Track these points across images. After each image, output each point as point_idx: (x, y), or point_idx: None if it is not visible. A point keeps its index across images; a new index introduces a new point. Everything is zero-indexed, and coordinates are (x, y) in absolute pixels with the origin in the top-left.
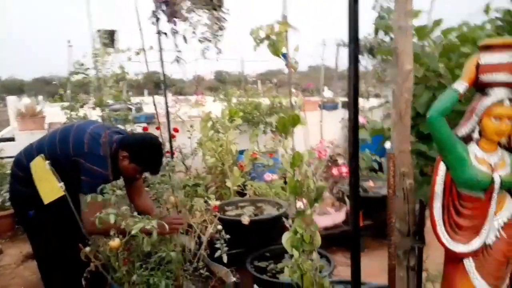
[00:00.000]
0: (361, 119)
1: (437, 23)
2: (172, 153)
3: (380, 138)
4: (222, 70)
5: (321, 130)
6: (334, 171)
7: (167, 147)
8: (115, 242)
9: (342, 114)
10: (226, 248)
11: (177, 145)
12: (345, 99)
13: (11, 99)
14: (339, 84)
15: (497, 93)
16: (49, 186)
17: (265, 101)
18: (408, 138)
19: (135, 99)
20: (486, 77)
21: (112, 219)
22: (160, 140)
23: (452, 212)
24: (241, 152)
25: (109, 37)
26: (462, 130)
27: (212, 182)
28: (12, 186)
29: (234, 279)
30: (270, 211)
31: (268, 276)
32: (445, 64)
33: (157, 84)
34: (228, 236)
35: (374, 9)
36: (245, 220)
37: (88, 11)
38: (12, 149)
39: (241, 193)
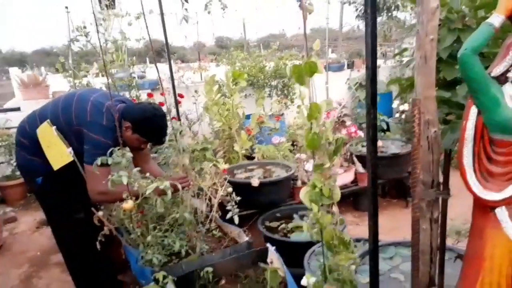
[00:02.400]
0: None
1: None
2: (179, 119)
3: (389, 97)
4: (223, 36)
5: (327, 92)
6: (343, 131)
7: (173, 112)
8: (128, 204)
9: (348, 74)
10: (237, 210)
11: (183, 111)
12: (350, 59)
13: (14, 71)
14: (344, 45)
15: None
16: (58, 152)
17: (268, 65)
18: (433, 83)
19: (138, 67)
20: None
21: (124, 181)
22: (166, 105)
23: (483, 159)
24: (248, 117)
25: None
26: (497, 69)
27: (220, 146)
28: (18, 154)
29: (247, 238)
30: (279, 173)
31: (280, 236)
32: (468, 5)
33: (158, 52)
34: (238, 198)
35: None
36: (255, 182)
37: None
38: (18, 119)
39: (249, 157)
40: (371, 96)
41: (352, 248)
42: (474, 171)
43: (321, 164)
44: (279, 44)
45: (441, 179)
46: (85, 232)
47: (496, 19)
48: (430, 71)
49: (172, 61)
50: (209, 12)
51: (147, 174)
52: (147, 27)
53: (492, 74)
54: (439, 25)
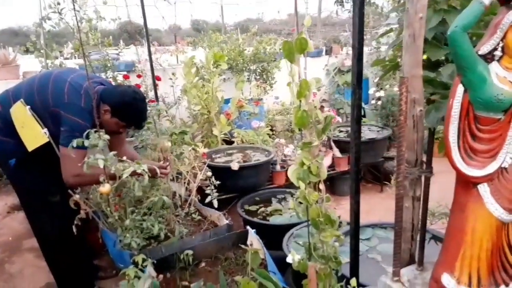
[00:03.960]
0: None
1: None
2: (157, 101)
3: (365, 84)
4: (199, 19)
5: (306, 77)
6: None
7: (150, 95)
8: (105, 187)
9: (326, 60)
10: (216, 194)
11: (160, 94)
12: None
13: None
14: (323, 31)
15: None
16: (32, 133)
17: (248, 49)
18: (421, 62)
19: (111, 50)
20: None
21: (101, 164)
22: (143, 88)
23: (467, 137)
24: (227, 101)
25: None
26: (484, 48)
27: (199, 130)
28: None
29: (227, 221)
30: (258, 158)
31: (259, 219)
32: None
33: (132, 35)
34: (218, 182)
35: None
36: (235, 166)
37: None
38: None
39: (228, 141)
40: (357, 75)
41: (337, 225)
42: (459, 148)
43: (309, 142)
44: (257, 28)
45: (424, 158)
46: (61, 216)
47: None
48: (418, 49)
49: (146, 44)
50: None
51: (124, 158)
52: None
53: (480, 52)
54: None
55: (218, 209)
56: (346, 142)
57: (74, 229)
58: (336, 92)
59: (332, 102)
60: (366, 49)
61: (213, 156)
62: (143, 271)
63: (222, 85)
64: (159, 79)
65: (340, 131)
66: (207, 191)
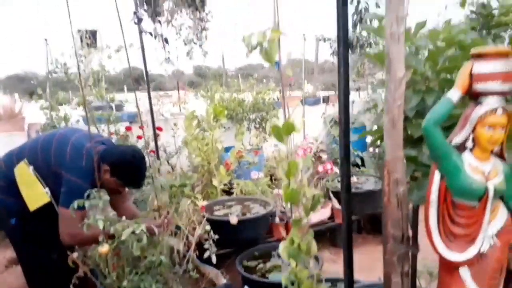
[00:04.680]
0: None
1: (421, 25)
2: (157, 153)
3: (361, 132)
4: (202, 65)
5: (304, 126)
6: (320, 168)
7: (151, 146)
8: (104, 247)
9: (323, 109)
10: (214, 249)
11: (161, 144)
12: (326, 93)
13: None
14: (320, 78)
15: (491, 102)
16: (35, 193)
17: (247, 97)
18: (401, 145)
19: (115, 96)
20: (479, 86)
21: (100, 225)
22: (144, 139)
23: (447, 221)
24: (226, 150)
25: (90, 37)
26: (457, 139)
27: (199, 181)
28: None
29: (224, 280)
30: (257, 210)
31: (258, 276)
32: (432, 68)
33: (136, 80)
34: (216, 237)
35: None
36: (233, 220)
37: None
38: None
39: (227, 192)
40: (344, 148)
41: None
42: (439, 231)
43: (300, 220)
44: (257, 75)
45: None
46: (58, 274)
47: (455, 94)
48: (398, 134)
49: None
50: (190, 58)
51: (123, 218)
52: (128, 60)
53: (453, 143)
54: (406, 86)
55: (217, 263)
56: None
57: None
58: (333, 142)
59: (330, 152)
60: (362, 95)
61: (213, 208)
62: None
63: (223, 134)
64: (160, 129)
65: (339, 181)
66: (206, 246)
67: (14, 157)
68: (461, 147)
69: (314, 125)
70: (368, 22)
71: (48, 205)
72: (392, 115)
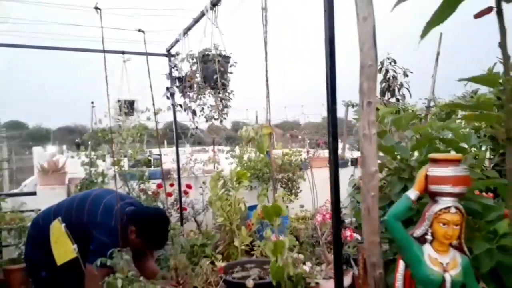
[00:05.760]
0: None
1: (412, 115)
2: (181, 211)
3: None
4: (239, 121)
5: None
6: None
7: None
8: None
9: (352, 171)
10: None
11: (190, 200)
12: (355, 155)
13: (36, 150)
14: (349, 140)
15: (444, 201)
16: (64, 248)
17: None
18: (377, 231)
19: (155, 150)
20: (433, 187)
21: (119, 284)
22: (174, 195)
23: None
24: (251, 208)
25: (129, 106)
26: (417, 232)
27: (221, 240)
28: (27, 247)
29: None
30: None
31: None
32: (417, 158)
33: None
34: None
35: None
36: (250, 284)
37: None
38: (33, 204)
39: (249, 252)
40: (334, 195)
41: None
42: None
43: None
44: (293, 136)
45: None
46: None
47: (413, 194)
48: (373, 221)
49: (188, 145)
50: (221, 122)
51: (142, 277)
52: (155, 124)
53: (415, 235)
54: (390, 174)
55: None
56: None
57: None
58: (356, 208)
59: (352, 218)
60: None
61: (231, 270)
62: None
63: (249, 193)
64: (190, 187)
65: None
66: None
67: (52, 214)
68: (421, 239)
69: (341, 187)
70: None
71: (76, 262)
72: (367, 204)
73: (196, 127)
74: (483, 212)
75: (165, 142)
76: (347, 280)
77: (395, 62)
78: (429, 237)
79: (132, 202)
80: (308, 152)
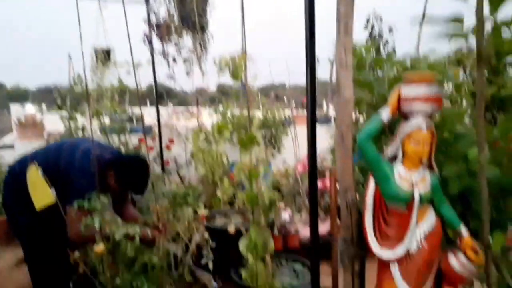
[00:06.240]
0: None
1: (390, 56)
2: (162, 162)
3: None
4: (224, 83)
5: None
6: (319, 183)
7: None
8: (99, 247)
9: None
10: (211, 256)
11: (173, 156)
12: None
13: (14, 108)
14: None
15: (416, 122)
16: (41, 193)
17: (257, 116)
18: (350, 157)
19: (137, 110)
20: (406, 107)
21: (97, 224)
22: (156, 150)
23: (381, 222)
24: (234, 165)
25: (105, 55)
26: (389, 151)
27: (204, 192)
28: (4, 194)
29: (215, 285)
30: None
31: None
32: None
33: (160, 95)
34: (214, 245)
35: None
36: (231, 228)
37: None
38: (11, 157)
39: (232, 203)
40: (311, 147)
41: None
42: (374, 232)
43: (258, 220)
44: (277, 95)
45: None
46: (61, 273)
47: (385, 113)
48: (347, 147)
49: (171, 105)
50: (188, 77)
51: (119, 219)
52: (154, 77)
53: (387, 155)
54: (368, 108)
55: (215, 271)
56: None
57: (71, 286)
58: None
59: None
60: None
61: (214, 217)
62: None
63: (232, 149)
64: (172, 141)
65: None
66: (204, 252)
67: (28, 160)
68: (393, 159)
69: (322, 143)
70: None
71: (54, 206)
72: (341, 131)
73: (172, 74)
74: (455, 140)
75: (148, 102)
76: (326, 227)
77: (381, 20)
78: (400, 156)
79: (111, 150)
80: (292, 109)
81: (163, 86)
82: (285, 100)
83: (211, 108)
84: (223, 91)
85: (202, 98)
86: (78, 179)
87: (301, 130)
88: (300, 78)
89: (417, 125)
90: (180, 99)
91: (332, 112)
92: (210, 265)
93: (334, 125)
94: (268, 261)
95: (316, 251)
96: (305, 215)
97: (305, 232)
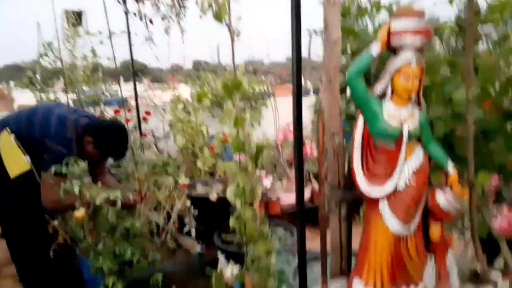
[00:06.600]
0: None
1: (377, 4)
2: (140, 133)
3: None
4: (200, 60)
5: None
6: None
7: (136, 136)
8: (80, 212)
9: (314, 100)
10: (194, 223)
11: (150, 129)
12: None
13: None
14: (314, 74)
15: (406, 56)
16: (15, 160)
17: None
18: (337, 101)
19: (112, 87)
20: (395, 41)
21: (76, 189)
22: (133, 121)
23: (369, 161)
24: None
25: (76, 18)
26: (378, 87)
27: (184, 162)
28: None
29: (199, 249)
30: None
31: (234, 248)
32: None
33: (134, 72)
34: (196, 212)
35: None
36: (213, 196)
37: None
38: None
39: (212, 174)
40: (297, 116)
41: (270, 240)
42: (363, 171)
43: (246, 166)
44: (256, 71)
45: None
46: (40, 243)
47: (374, 49)
48: (334, 91)
49: (146, 81)
50: (168, 35)
51: (99, 184)
52: (131, 52)
53: (375, 92)
54: (353, 54)
55: (197, 238)
56: None
57: (51, 255)
58: (316, 130)
59: (314, 139)
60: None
61: (195, 186)
62: None
63: (212, 121)
64: (149, 113)
65: None
66: (186, 221)
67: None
68: (382, 96)
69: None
70: None
71: (29, 173)
72: (329, 74)
73: (151, 36)
74: (442, 84)
75: (121, 79)
76: (306, 193)
77: None
78: (389, 92)
79: (86, 115)
80: (271, 81)
81: (138, 62)
82: (263, 75)
83: (187, 85)
84: (198, 68)
85: (178, 74)
86: (54, 146)
87: (280, 101)
88: (278, 55)
89: (407, 59)
90: (155, 76)
91: (309, 85)
92: (193, 233)
93: (312, 96)
94: (256, 207)
95: (302, 213)
96: (285, 182)
97: (286, 198)
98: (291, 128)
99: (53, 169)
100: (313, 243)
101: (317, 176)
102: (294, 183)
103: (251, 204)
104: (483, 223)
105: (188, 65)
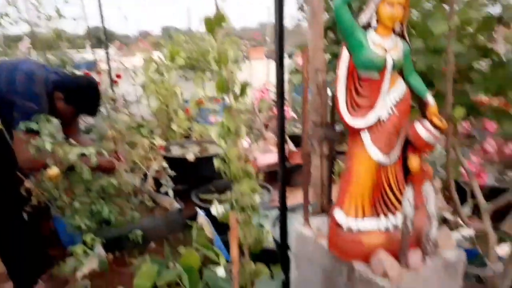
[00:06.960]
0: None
1: None
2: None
3: None
4: (170, 26)
5: (268, 77)
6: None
7: (110, 93)
8: (53, 170)
9: (289, 64)
10: (171, 184)
11: (121, 93)
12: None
13: None
14: (289, 39)
15: None
16: None
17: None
18: (322, 35)
19: (77, 55)
20: None
21: (48, 146)
22: (103, 85)
23: (353, 93)
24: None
25: None
26: (363, 18)
27: (159, 125)
28: None
29: (178, 206)
30: (214, 150)
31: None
32: None
33: (98, 39)
34: (173, 173)
35: None
36: (190, 156)
37: None
38: None
39: (188, 137)
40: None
41: (255, 178)
42: (346, 103)
43: (230, 106)
44: (228, 35)
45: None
46: (12, 203)
47: None
48: (319, 24)
49: (114, 45)
50: None
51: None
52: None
53: (360, 22)
54: None
55: (175, 198)
56: (300, 137)
57: (25, 216)
58: (292, 91)
59: (289, 100)
60: None
61: (171, 148)
62: (92, 251)
63: (185, 84)
64: (119, 76)
65: (295, 127)
66: (163, 181)
67: None
68: (367, 26)
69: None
70: None
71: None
72: (313, 7)
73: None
74: (423, 19)
75: (87, 46)
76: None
77: None
78: (374, 22)
79: (56, 71)
80: (245, 45)
81: (99, 29)
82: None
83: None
84: (168, 35)
85: (146, 41)
86: (23, 102)
87: (255, 63)
88: (250, 21)
89: None
90: (122, 43)
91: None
92: (170, 193)
93: (289, 60)
94: (240, 145)
95: (283, 171)
96: (262, 144)
97: (262, 159)
98: (267, 88)
99: (22, 126)
100: (287, 201)
101: (292, 137)
102: (270, 144)
103: (236, 143)
104: (456, 163)
105: (157, 32)
